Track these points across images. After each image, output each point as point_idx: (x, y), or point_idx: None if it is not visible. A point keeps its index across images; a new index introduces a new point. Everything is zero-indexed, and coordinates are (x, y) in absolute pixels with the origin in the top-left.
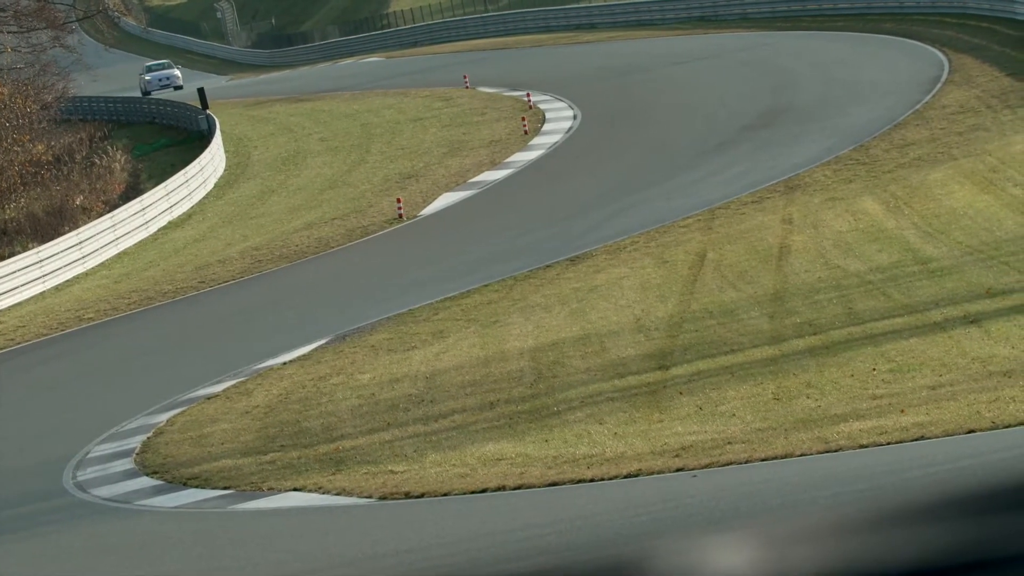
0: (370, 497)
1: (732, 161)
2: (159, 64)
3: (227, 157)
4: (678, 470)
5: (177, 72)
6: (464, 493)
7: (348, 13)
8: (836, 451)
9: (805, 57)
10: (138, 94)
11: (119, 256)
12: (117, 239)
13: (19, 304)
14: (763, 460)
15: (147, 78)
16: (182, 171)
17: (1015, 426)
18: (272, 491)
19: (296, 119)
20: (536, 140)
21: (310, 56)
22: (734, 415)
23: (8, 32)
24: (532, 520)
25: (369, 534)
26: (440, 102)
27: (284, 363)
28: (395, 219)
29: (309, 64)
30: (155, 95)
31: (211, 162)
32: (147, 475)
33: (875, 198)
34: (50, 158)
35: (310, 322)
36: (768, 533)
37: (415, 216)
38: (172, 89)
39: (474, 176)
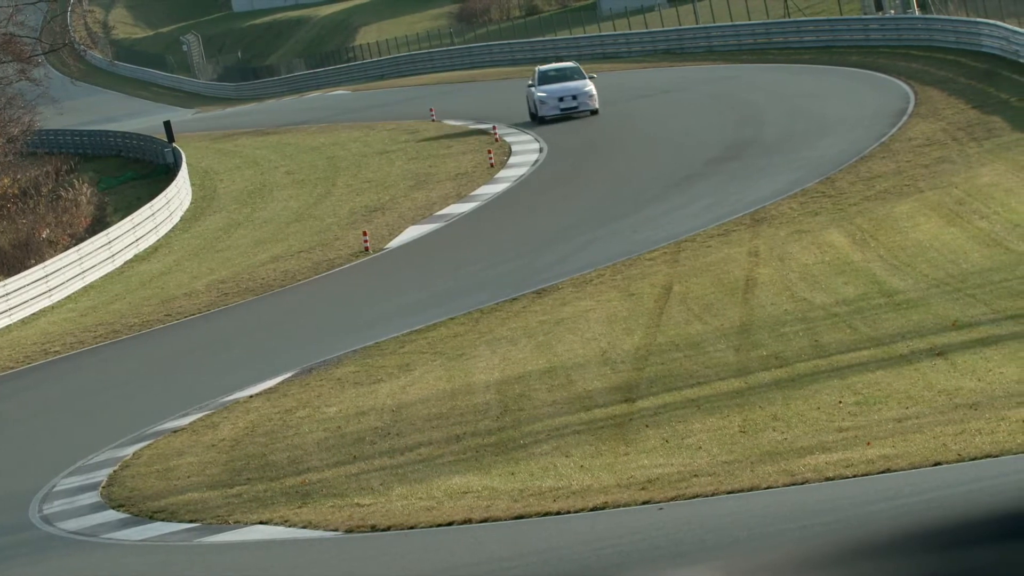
0: (336, 530)
1: (698, 194)
2: (561, 71)
3: (193, 190)
4: (644, 503)
5: (591, 88)
6: (430, 526)
7: (314, 46)
8: (802, 484)
9: (771, 90)
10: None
11: (85, 289)
12: (83, 272)
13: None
14: (729, 493)
15: (540, 96)
16: (148, 204)
17: (981, 459)
18: (238, 524)
19: (262, 152)
20: (502, 173)
21: (276, 89)
22: (700, 448)
23: None
24: (498, 553)
25: (335, 567)
26: (406, 135)
27: (250, 396)
28: (361, 252)
29: (275, 97)
30: (128, 128)
31: (177, 195)
32: (114, 508)
33: (841, 231)
34: (16, 191)
35: (276, 355)
36: (734, 566)
37: (381, 249)
38: (588, 113)
39: (440, 209)
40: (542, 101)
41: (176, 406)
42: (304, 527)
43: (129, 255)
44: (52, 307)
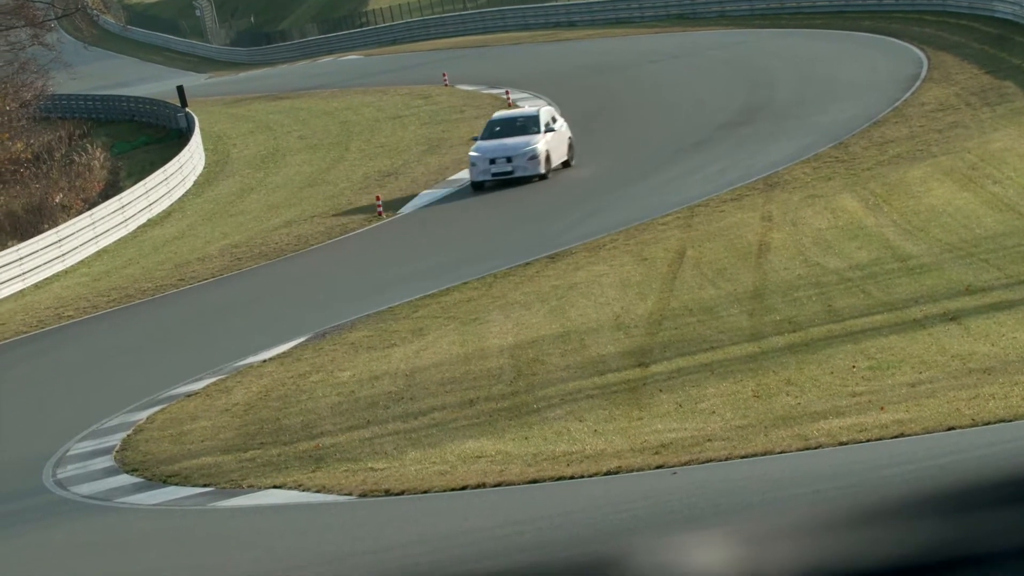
0: (350, 494)
1: (711, 159)
2: (512, 122)
3: (206, 155)
4: (658, 467)
5: (536, 147)
6: (444, 490)
7: (327, 11)
8: (816, 448)
9: (784, 55)
10: (117, 92)
11: (99, 254)
12: (96, 237)
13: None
14: (743, 457)
15: (472, 156)
16: (161, 169)
17: (995, 423)
18: (252, 488)
19: (275, 117)
20: None
21: (289, 54)
22: (714, 412)
23: None
24: (512, 517)
25: (349, 532)
26: (419, 100)
27: (264, 361)
28: (374, 217)
29: (288, 62)
30: (141, 93)
31: (190, 160)
32: (127, 472)
33: (854, 195)
34: (29, 156)
35: (290, 320)
36: (748, 531)
37: (394, 214)
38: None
39: (453, 174)
40: (472, 163)
41: (189, 371)
42: (318, 491)
43: (142, 220)
44: (65, 272)
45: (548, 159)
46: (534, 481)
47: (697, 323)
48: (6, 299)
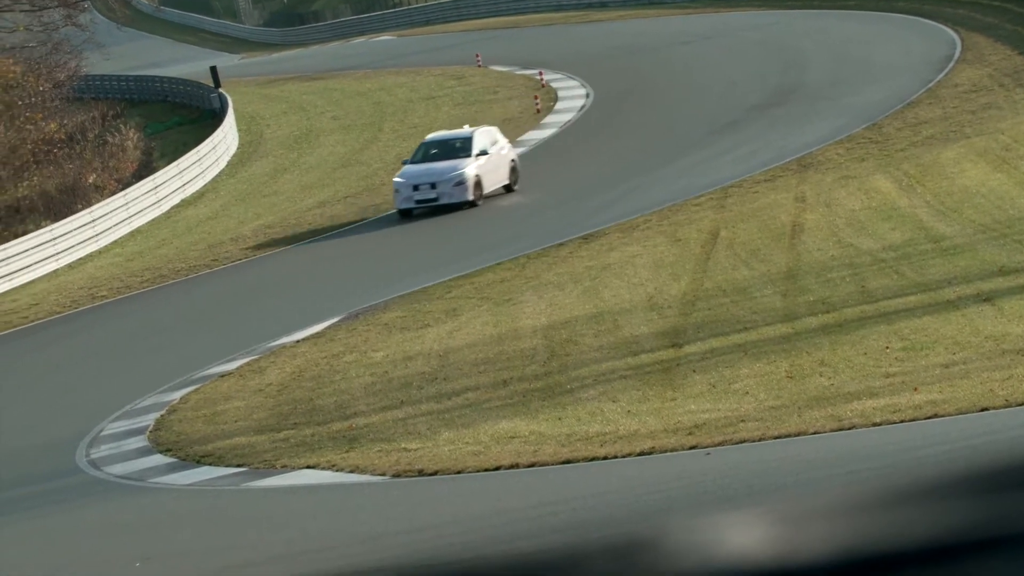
0: (383, 475)
1: (744, 140)
2: (444, 144)
3: (240, 135)
4: (691, 448)
5: (466, 172)
6: (477, 471)
7: None
8: (849, 429)
9: (816, 36)
10: (150, 72)
11: (132, 234)
12: (130, 217)
13: (32, 282)
14: (776, 438)
15: (396, 182)
16: (195, 149)
17: None
18: (286, 468)
19: (308, 97)
20: (549, 119)
21: (322, 35)
22: (747, 393)
23: (20, 11)
24: (545, 498)
25: (382, 512)
26: (453, 80)
27: (297, 341)
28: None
29: (321, 43)
30: (174, 74)
31: (224, 140)
32: (161, 452)
33: (888, 176)
34: (63, 136)
35: (323, 300)
36: (782, 511)
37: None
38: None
39: None
40: (396, 189)
41: (223, 351)
42: (351, 471)
43: (176, 200)
44: (99, 252)
45: (479, 185)
46: (567, 461)
47: (730, 304)
48: (40, 279)
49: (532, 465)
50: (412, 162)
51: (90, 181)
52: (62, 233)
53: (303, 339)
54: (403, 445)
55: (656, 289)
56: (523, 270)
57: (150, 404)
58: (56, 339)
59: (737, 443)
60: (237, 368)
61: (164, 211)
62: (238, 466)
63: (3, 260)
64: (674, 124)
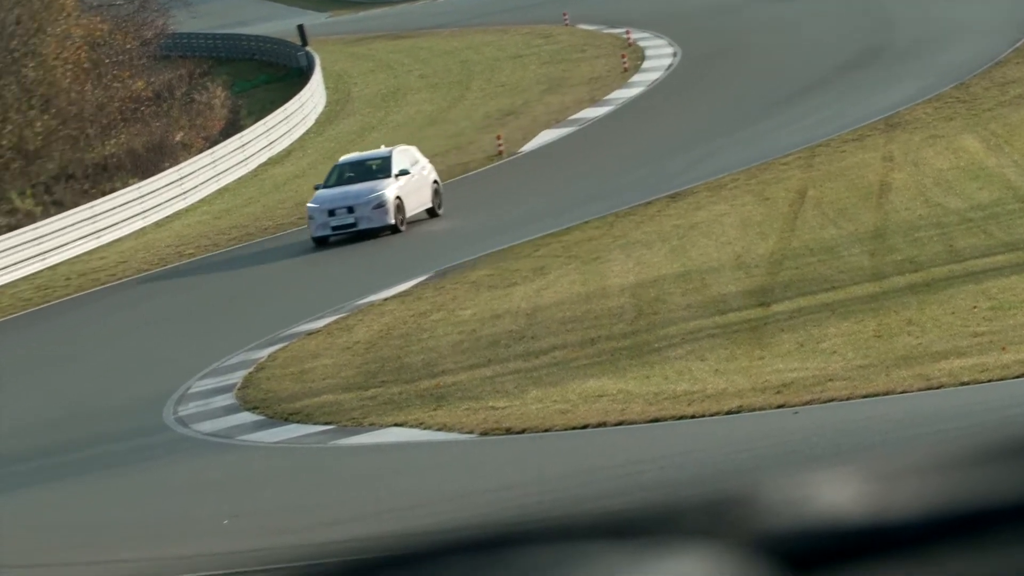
0: (471, 433)
1: (831, 99)
2: (360, 166)
3: (327, 94)
4: (779, 407)
5: (385, 193)
6: (565, 429)
7: None
8: (937, 388)
9: None
10: (237, 31)
11: (219, 192)
12: (217, 175)
13: (120, 240)
14: (864, 397)
15: (310, 208)
16: (282, 108)
17: None
18: (373, 426)
19: (396, 56)
20: (636, 77)
21: None
22: (835, 352)
23: None
24: (633, 456)
25: (469, 470)
26: (540, 39)
27: (385, 299)
28: (495, 156)
29: (408, 1)
30: (261, 32)
31: (311, 99)
32: (248, 410)
33: (975, 136)
34: (150, 94)
35: (410, 258)
36: (872, 469)
37: (515, 153)
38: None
39: (574, 113)
40: (309, 215)
41: (311, 309)
42: (439, 429)
43: (263, 158)
44: (186, 210)
45: (401, 208)
46: (655, 420)
47: (818, 263)
48: (128, 236)
49: (619, 424)
50: (325, 186)
51: (177, 139)
52: (150, 191)
53: (391, 297)
54: (491, 403)
55: (744, 248)
56: (611, 228)
57: (238, 362)
58: (144, 297)
59: (825, 402)
60: (325, 326)
61: (251, 169)
62: (326, 424)
63: (91, 218)
64: (761, 83)
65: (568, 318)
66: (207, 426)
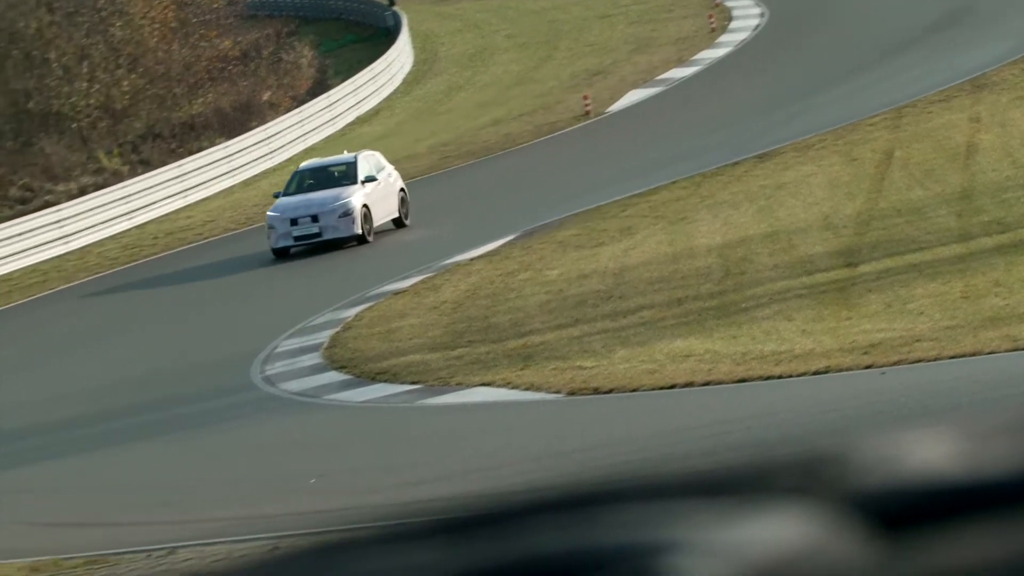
0: (558, 392)
1: (917, 61)
2: (322, 172)
3: (414, 53)
4: (866, 367)
5: (353, 201)
6: (652, 389)
7: None
8: None
9: None
10: None
11: (306, 151)
12: (305, 134)
13: (208, 199)
14: (952, 358)
15: (270, 216)
16: (369, 67)
17: None
18: (461, 386)
19: (483, 16)
20: (723, 38)
21: None
22: (922, 313)
23: None
24: (720, 416)
25: (557, 429)
26: None
27: (472, 259)
28: (582, 116)
29: None
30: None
31: (398, 58)
32: (335, 369)
33: None
34: (237, 54)
35: (498, 218)
36: (964, 428)
37: (602, 113)
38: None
39: (661, 73)
40: (270, 225)
41: (398, 268)
42: (526, 389)
43: (350, 118)
44: (273, 169)
45: (368, 217)
46: (742, 380)
47: (905, 224)
48: (215, 196)
49: (707, 384)
50: (285, 194)
51: (265, 99)
52: (237, 150)
53: (478, 257)
54: (578, 363)
55: (831, 208)
56: (698, 189)
57: (325, 321)
58: (231, 256)
59: (912, 363)
60: (411, 286)
61: (339, 128)
62: (412, 383)
63: (179, 177)
64: (848, 44)
65: (655, 278)
66: (294, 385)
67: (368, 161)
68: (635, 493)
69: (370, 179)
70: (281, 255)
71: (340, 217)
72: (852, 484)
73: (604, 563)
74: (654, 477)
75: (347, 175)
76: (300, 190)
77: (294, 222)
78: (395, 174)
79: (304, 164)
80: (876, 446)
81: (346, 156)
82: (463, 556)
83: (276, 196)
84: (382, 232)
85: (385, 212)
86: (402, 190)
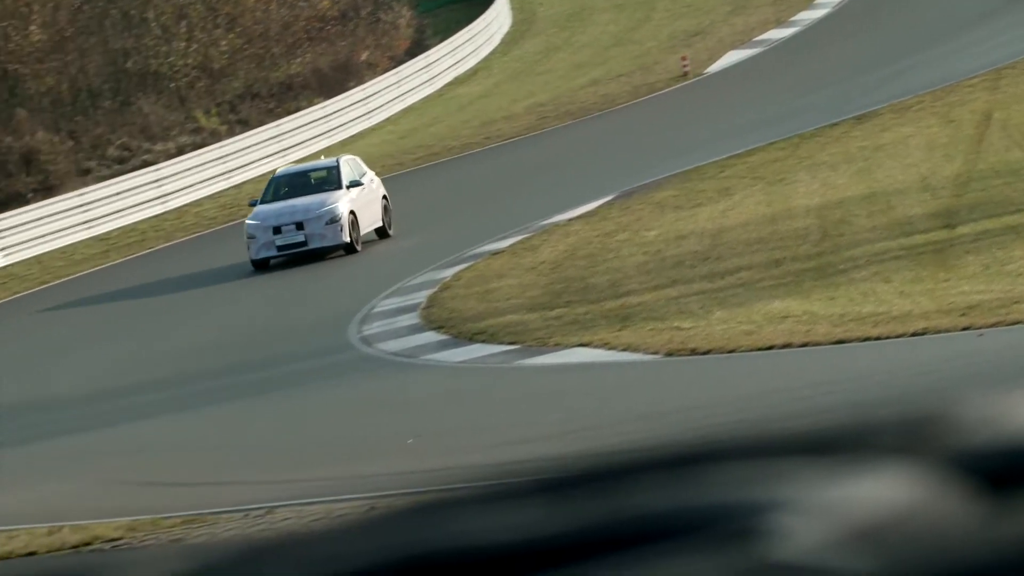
0: (656, 353)
1: (1017, 21)
2: (301, 178)
3: (512, 14)
4: (964, 329)
5: (339, 207)
6: (750, 350)
7: None
8: None
9: None
10: None
11: (404, 112)
12: (402, 95)
13: (305, 159)
14: None
15: (249, 225)
16: (467, 27)
17: None
18: (558, 346)
19: None
20: None
21: None
22: (1021, 274)
23: None
24: (818, 378)
25: (654, 391)
26: None
27: (570, 219)
28: (681, 77)
29: None
30: None
31: (496, 19)
32: (433, 330)
33: None
34: (336, 14)
35: (596, 178)
36: None
37: (701, 74)
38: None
39: (759, 34)
40: (249, 234)
41: (495, 228)
42: (624, 350)
43: (448, 78)
44: (371, 129)
45: (355, 224)
46: (840, 342)
47: (1004, 185)
48: (312, 156)
49: (805, 345)
50: (263, 201)
51: (363, 58)
52: (335, 110)
53: (576, 217)
54: (676, 324)
55: (929, 170)
56: (796, 150)
57: (422, 281)
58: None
59: (1011, 324)
60: (509, 246)
61: (436, 89)
62: (510, 344)
63: (276, 137)
64: (946, 4)
65: (753, 239)
66: (391, 345)
67: (351, 166)
68: (737, 453)
69: (355, 184)
70: (261, 267)
71: (327, 224)
72: (957, 443)
73: (706, 522)
74: (756, 437)
75: (328, 180)
76: (277, 198)
77: (277, 230)
78: (377, 180)
79: (281, 170)
80: (979, 406)
81: (325, 161)
82: (562, 516)
83: (252, 204)
84: (473, 193)
85: (369, 220)
86: (384, 197)
